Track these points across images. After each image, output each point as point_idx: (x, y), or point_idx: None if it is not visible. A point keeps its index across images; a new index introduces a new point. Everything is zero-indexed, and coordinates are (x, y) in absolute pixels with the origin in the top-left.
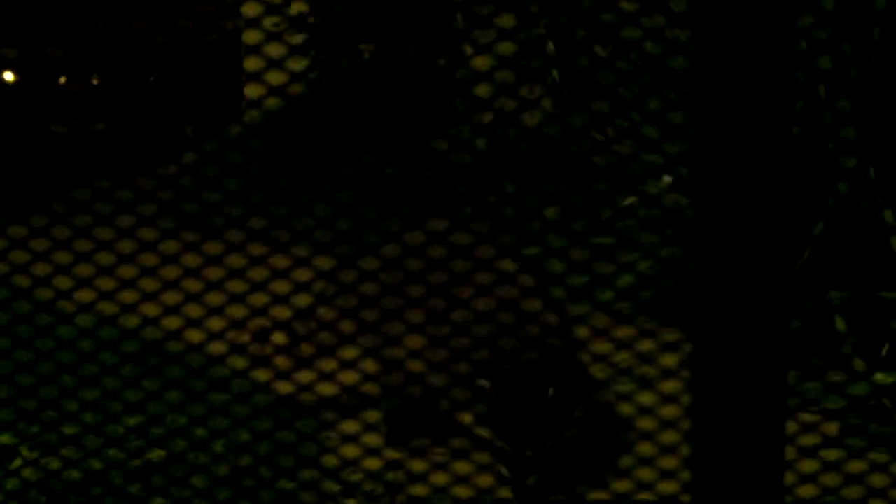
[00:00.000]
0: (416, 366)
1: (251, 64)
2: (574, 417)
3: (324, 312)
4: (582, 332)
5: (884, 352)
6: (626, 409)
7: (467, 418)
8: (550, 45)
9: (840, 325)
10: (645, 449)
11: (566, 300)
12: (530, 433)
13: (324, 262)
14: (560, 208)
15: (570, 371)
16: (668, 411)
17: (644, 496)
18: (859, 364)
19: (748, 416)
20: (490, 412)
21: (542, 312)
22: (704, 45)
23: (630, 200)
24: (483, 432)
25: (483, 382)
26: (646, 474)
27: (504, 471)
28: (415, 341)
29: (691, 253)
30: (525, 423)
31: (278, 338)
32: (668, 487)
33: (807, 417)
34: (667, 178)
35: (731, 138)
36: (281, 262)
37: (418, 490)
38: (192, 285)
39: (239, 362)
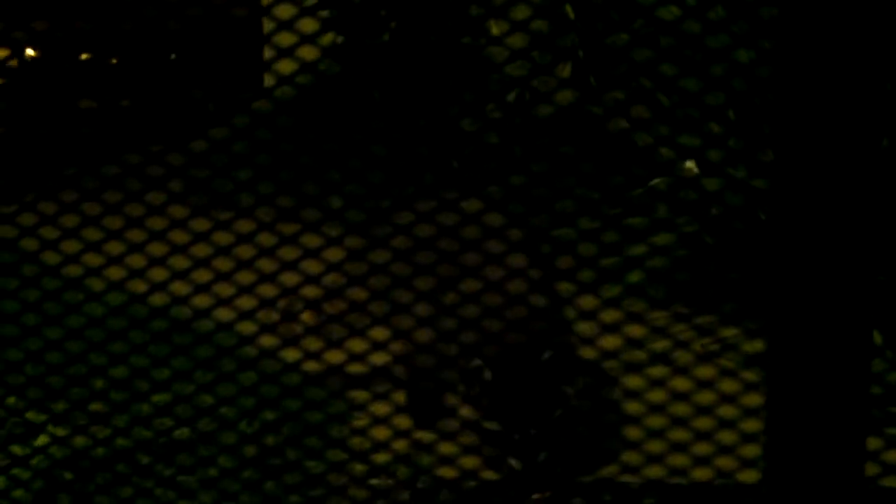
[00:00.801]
0: (442, 349)
1: (274, 41)
2: (585, 399)
3: (350, 292)
4: (612, 315)
5: None
6: (657, 395)
7: (468, 410)
8: (571, 13)
9: (877, 338)
10: (679, 435)
11: (595, 284)
12: (538, 416)
13: (351, 242)
14: (590, 189)
15: (579, 363)
16: (703, 397)
17: (668, 477)
18: (888, 353)
19: (830, 406)
20: (496, 398)
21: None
22: (791, 50)
23: (658, 181)
24: (491, 425)
25: (487, 374)
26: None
27: (514, 462)
28: (443, 323)
29: (771, 253)
30: (532, 405)
31: (306, 317)
32: (678, 460)
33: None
34: (689, 164)
35: (819, 145)
36: (309, 240)
37: (445, 472)
38: (222, 264)
39: (268, 341)
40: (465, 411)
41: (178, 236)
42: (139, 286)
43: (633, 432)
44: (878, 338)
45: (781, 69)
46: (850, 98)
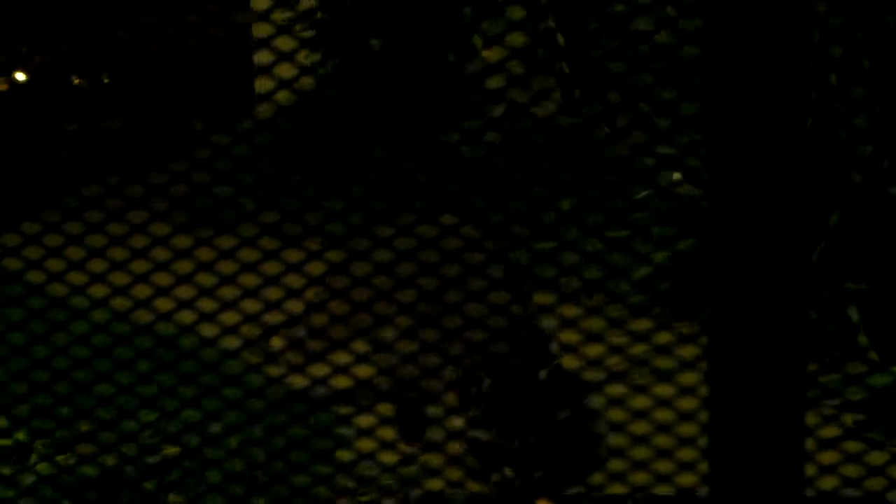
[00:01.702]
0: (426, 361)
1: (261, 58)
2: (563, 402)
3: (335, 307)
4: (597, 323)
5: None
6: (641, 401)
7: (460, 422)
8: (560, 37)
9: (854, 315)
10: (662, 441)
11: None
12: (528, 426)
13: (334, 256)
14: (574, 200)
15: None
16: (684, 403)
17: (664, 489)
18: (874, 355)
19: (767, 407)
20: (488, 410)
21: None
22: (718, 35)
23: (644, 193)
24: (482, 435)
25: (485, 384)
26: (664, 466)
27: (509, 471)
28: (427, 335)
29: (707, 244)
30: (521, 417)
31: (289, 333)
32: (682, 481)
33: (826, 409)
34: (676, 175)
35: (745, 129)
36: (293, 255)
37: (432, 484)
38: (205, 279)
39: (253, 357)
40: (457, 422)
41: (165, 254)
42: (124, 303)
43: (616, 440)
44: (855, 315)
45: (709, 52)
46: (774, 78)
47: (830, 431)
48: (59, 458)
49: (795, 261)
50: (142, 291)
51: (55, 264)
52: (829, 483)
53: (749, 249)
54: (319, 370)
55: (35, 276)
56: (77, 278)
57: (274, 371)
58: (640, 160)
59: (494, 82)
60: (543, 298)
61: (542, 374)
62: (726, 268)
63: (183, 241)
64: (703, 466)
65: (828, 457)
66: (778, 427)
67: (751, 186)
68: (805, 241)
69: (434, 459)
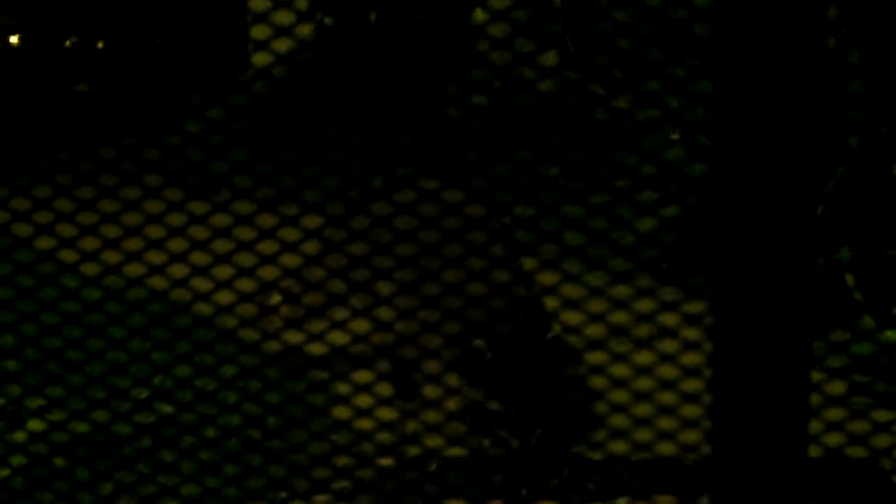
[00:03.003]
0: (412, 327)
1: (256, 31)
2: (565, 375)
3: (332, 264)
4: (576, 290)
5: (894, 310)
6: (620, 370)
7: (456, 380)
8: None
9: (850, 280)
10: (643, 409)
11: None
12: (525, 392)
13: (327, 226)
14: (560, 167)
15: (544, 330)
16: (666, 371)
17: (618, 445)
18: (868, 322)
19: (772, 369)
20: (483, 373)
21: (524, 276)
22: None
23: (631, 160)
24: (475, 394)
25: (478, 343)
26: (643, 435)
27: (505, 434)
28: (407, 301)
29: (706, 214)
30: (519, 381)
31: (285, 292)
32: (667, 448)
33: (812, 376)
34: (674, 136)
35: (744, 98)
36: (288, 210)
37: (430, 443)
38: (200, 233)
39: (247, 311)
40: (454, 381)
41: (156, 208)
42: (115, 257)
43: (599, 407)
44: (850, 280)
45: (715, 22)
46: (776, 43)
47: (814, 399)
48: (51, 415)
49: (800, 229)
50: (133, 244)
51: (44, 241)
52: (812, 452)
53: (751, 219)
54: (315, 327)
55: (23, 255)
56: (68, 256)
57: (269, 327)
58: (627, 124)
59: (496, 57)
60: (529, 264)
61: (547, 335)
62: (728, 237)
63: (174, 195)
64: (687, 436)
65: (833, 413)
66: (782, 388)
67: (753, 152)
68: (808, 210)
69: (431, 417)
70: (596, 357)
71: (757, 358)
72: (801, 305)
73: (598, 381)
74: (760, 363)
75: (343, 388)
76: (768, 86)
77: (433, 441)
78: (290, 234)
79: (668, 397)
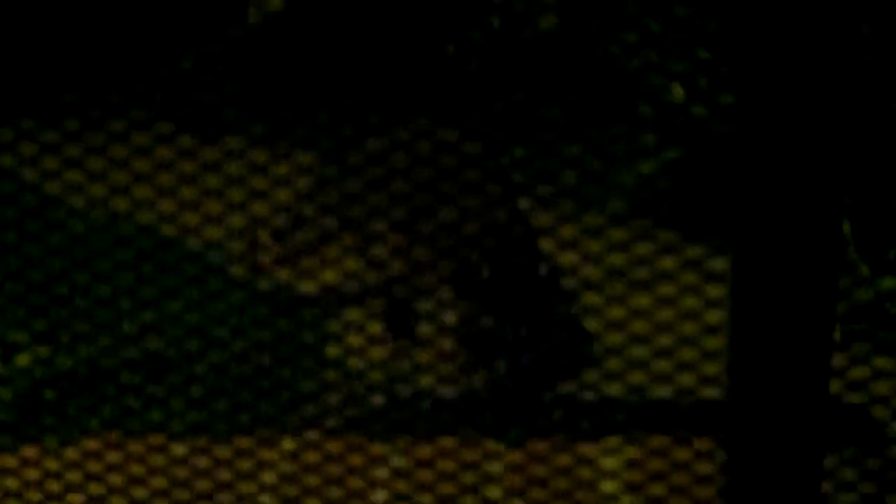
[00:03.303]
0: (404, 259)
1: None
2: (556, 303)
3: (326, 200)
4: (571, 230)
5: (891, 255)
6: (616, 312)
7: (453, 318)
8: None
9: (846, 229)
10: (638, 352)
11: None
12: (518, 317)
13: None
14: (561, 108)
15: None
16: (664, 314)
17: (615, 388)
18: (864, 269)
19: (794, 317)
20: (473, 293)
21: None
22: None
23: (644, 109)
24: (471, 309)
25: (476, 260)
26: (637, 377)
27: (501, 364)
28: (398, 238)
29: (700, 155)
30: (513, 305)
31: (277, 229)
32: (662, 391)
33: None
34: (678, 91)
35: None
36: (282, 146)
37: (424, 382)
38: (187, 167)
39: (237, 248)
40: (450, 319)
41: (146, 140)
42: (101, 191)
43: (594, 349)
44: (846, 228)
45: None
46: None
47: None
48: (39, 349)
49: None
50: (121, 178)
51: (51, 162)
52: (832, 387)
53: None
54: (308, 264)
55: (6, 160)
56: (51, 163)
57: (260, 264)
58: (630, 63)
59: None
60: (525, 204)
61: (542, 270)
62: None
63: (164, 128)
64: (683, 378)
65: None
66: (807, 326)
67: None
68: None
69: (425, 356)
70: (591, 299)
71: (782, 294)
72: (828, 242)
73: (592, 323)
74: (785, 299)
75: (335, 327)
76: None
77: (426, 380)
78: (283, 170)
79: (664, 340)
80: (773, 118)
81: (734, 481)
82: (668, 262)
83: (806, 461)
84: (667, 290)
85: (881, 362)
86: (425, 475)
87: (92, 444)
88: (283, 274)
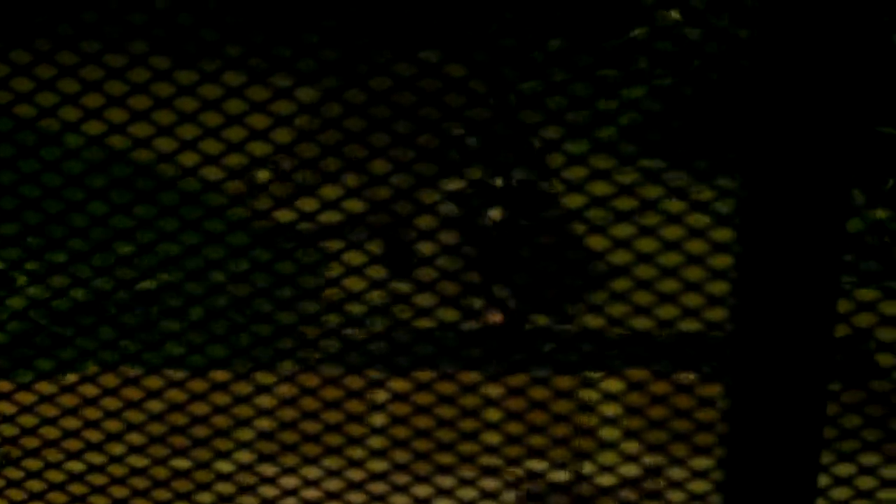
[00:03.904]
0: (404, 205)
1: None
2: (549, 249)
3: (326, 138)
4: (578, 172)
5: (888, 186)
6: (622, 256)
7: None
8: None
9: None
10: (621, 284)
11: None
12: (506, 263)
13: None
14: (563, 39)
15: (547, 208)
16: (669, 259)
17: (616, 330)
18: (859, 197)
19: (802, 265)
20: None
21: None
22: None
23: (639, 32)
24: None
25: (471, 141)
26: (618, 309)
27: (478, 302)
28: (402, 180)
29: (711, 92)
30: (500, 252)
31: (282, 165)
32: (642, 323)
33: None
34: (674, 14)
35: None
36: (281, 81)
37: (424, 322)
38: (187, 104)
39: (236, 188)
40: (453, 263)
41: (143, 77)
42: (98, 127)
43: (597, 295)
44: (860, 197)
45: None
46: None
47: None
48: (34, 290)
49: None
50: (117, 116)
51: (47, 98)
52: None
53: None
54: (307, 204)
55: (26, 111)
56: (70, 113)
57: (259, 205)
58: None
59: None
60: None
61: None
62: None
63: (161, 63)
64: (664, 311)
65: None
66: (812, 287)
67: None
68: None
69: (425, 299)
70: (596, 242)
71: (789, 234)
72: (834, 183)
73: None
74: (792, 240)
75: (335, 268)
76: None
77: (419, 320)
78: (284, 108)
79: (646, 271)
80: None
81: (737, 424)
82: (675, 205)
83: (808, 404)
84: (675, 231)
85: (866, 294)
86: (425, 398)
87: (88, 384)
88: (283, 214)
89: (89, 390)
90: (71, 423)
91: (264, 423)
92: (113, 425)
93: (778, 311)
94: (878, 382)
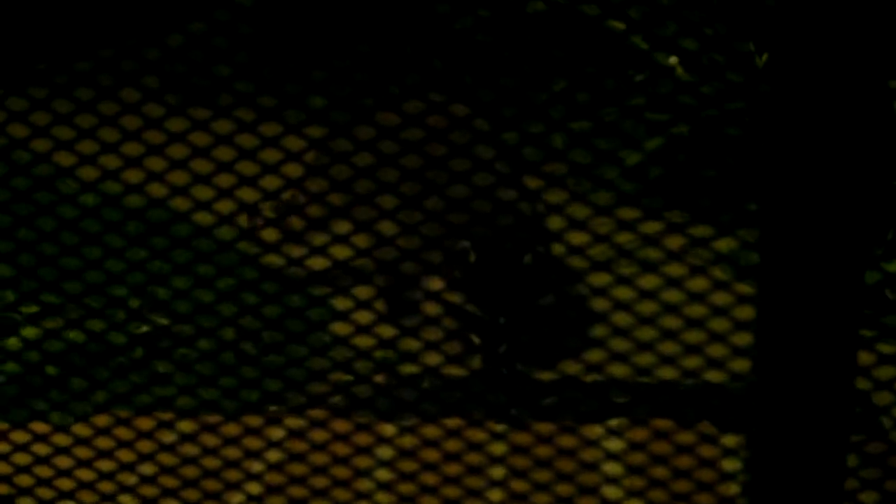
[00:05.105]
0: (406, 241)
1: None
2: (548, 287)
3: (315, 184)
4: (580, 210)
5: (889, 236)
6: (625, 292)
7: (438, 284)
8: None
9: None
10: (619, 319)
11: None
12: (504, 300)
13: (316, 132)
14: (566, 81)
15: (543, 241)
16: (670, 296)
17: (617, 368)
18: (877, 249)
19: (822, 312)
20: (465, 277)
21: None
22: None
23: (641, 77)
24: (455, 298)
25: (463, 244)
26: (620, 345)
27: (475, 338)
28: (405, 216)
29: (709, 132)
30: (499, 288)
31: (267, 209)
32: (643, 360)
33: None
34: (672, 59)
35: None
36: (271, 129)
37: (409, 369)
38: (178, 151)
39: (226, 234)
40: (447, 296)
41: (139, 121)
42: (137, 176)
43: (599, 330)
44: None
45: None
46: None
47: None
48: (29, 331)
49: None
50: (133, 150)
51: (42, 144)
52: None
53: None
54: (315, 240)
55: (22, 155)
56: (65, 159)
57: (257, 246)
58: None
59: None
60: (532, 182)
61: (527, 259)
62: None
63: (174, 99)
64: (689, 361)
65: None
66: (832, 333)
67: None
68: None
69: (414, 343)
70: (599, 279)
71: (809, 288)
72: (856, 235)
73: (599, 303)
74: (813, 293)
75: (342, 304)
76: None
77: (430, 359)
78: (293, 144)
79: (670, 321)
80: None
81: (759, 476)
82: (676, 241)
83: (829, 457)
84: (677, 270)
85: (886, 348)
86: (430, 454)
87: (97, 420)
88: (291, 250)
89: (83, 431)
90: (64, 462)
91: (255, 466)
92: (105, 465)
93: (797, 365)
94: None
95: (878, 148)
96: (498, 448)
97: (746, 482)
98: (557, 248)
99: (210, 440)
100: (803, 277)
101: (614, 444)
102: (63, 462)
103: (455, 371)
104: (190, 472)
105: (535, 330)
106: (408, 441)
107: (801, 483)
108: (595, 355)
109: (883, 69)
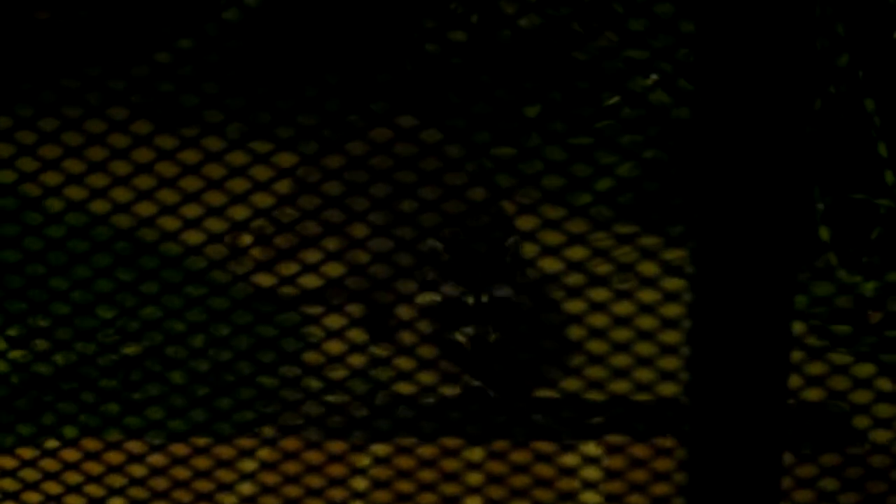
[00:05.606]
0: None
1: None
2: (523, 314)
3: (304, 203)
4: (554, 236)
5: (864, 260)
6: (600, 318)
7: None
8: None
9: (824, 234)
10: (597, 347)
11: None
12: (477, 327)
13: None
14: (540, 106)
15: (521, 268)
16: (646, 320)
17: (594, 395)
18: (832, 259)
19: (753, 319)
20: (439, 303)
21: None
22: None
23: (614, 100)
24: (428, 326)
25: (444, 256)
26: (597, 373)
27: (449, 366)
28: (381, 244)
29: (680, 156)
30: (472, 316)
31: (257, 230)
32: (619, 387)
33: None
34: (653, 76)
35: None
36: (261, 147)
37: (403, 388)
38: (167, 169)
39: (216, 253)
40: (424, 324)
41: (143, 154)
42: (103, 207)
43: (574, 358)
44: (825, 234)
45: None
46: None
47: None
48: (15, 353)
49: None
50: (98, 181)
51: (28, 163)
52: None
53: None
54: (288, 269)
55: (5, 175)
56: (52, 178)
57: (240, 269)
58: (609, 64)
59: None
60: (506, 207)
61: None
62: (711, 184)
63: (142, 128)
64: (665, 388)
65: (814, 368)
66: (763, 340)
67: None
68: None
69: (405, 363)
70: (574, 305)
71: (739, 299)
72: (784, 248)
73: (575, 331)
74: (743, 304)
75: (316, 332)
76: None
77: (406, 387)
78: (262, 173)
79: (622, 334)
80: (731, 111)
81: (695, 478)
82: (649, 267)
83: (766, 458)
84: (650, 295)
85: (838, 357)
86: (406, 486)
87: (71, 451)
88: (264, 279)
89: (70, 455)
90: (52, 487)
91: (245, 488)
92: (94, 490)
93: (729, 377)
94: (854, 447)
95: (793, 149)
96: (474, 478)
97: (682, 483)
98: (531, 273)
99: (183, 472)
100: (732, 276)
101: (592, 473)
102: (50, 487)
103: (431, 398)
104: (181, 495)
105: (510, 358)
106: (382, 472)
107: (734, 481)
108: (571, 384)
109: (797, 76)
